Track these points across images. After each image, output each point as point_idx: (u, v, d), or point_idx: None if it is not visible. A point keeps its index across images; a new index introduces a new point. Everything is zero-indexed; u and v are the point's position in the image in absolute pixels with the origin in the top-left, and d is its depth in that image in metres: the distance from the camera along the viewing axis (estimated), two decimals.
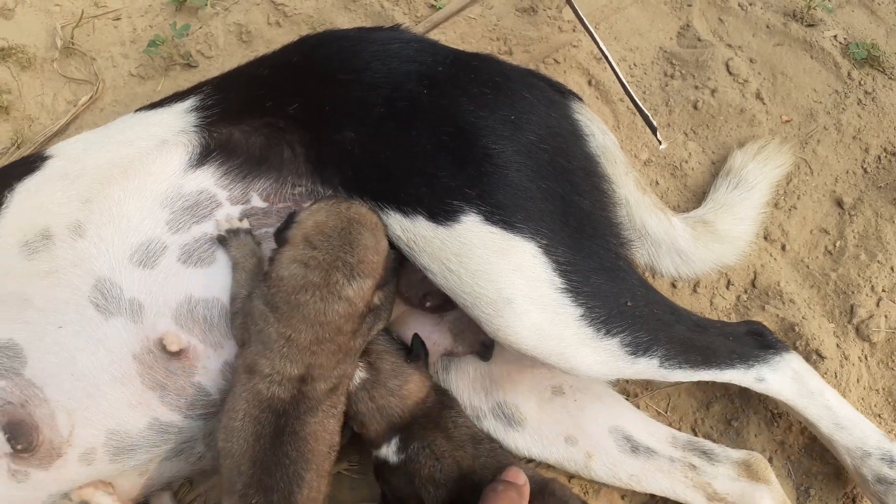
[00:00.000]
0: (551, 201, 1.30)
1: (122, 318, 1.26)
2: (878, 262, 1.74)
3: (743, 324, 1.53)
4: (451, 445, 1.31)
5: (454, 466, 1.29)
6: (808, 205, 1.84)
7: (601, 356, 1.29)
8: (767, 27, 2.09)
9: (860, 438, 1.43)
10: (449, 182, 1.27)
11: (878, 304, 1.70)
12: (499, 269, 1.24)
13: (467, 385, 1.51)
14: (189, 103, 1.42)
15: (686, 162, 1.90)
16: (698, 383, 1.63)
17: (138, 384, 1.26)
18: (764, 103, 1.98)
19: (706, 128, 1.95)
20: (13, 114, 2.03)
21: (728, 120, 1.95)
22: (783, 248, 1.79)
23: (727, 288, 1.74)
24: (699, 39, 2.08)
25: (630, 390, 1.64)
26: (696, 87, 1.99)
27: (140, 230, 1.30)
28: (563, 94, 1.53)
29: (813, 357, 1.63)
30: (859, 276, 1.73)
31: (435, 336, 1.42)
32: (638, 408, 1.57)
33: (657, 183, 1.88)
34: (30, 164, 1.38)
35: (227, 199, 1.35)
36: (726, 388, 1.62)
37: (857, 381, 1.63)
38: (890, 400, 1.62)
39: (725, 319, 1.71)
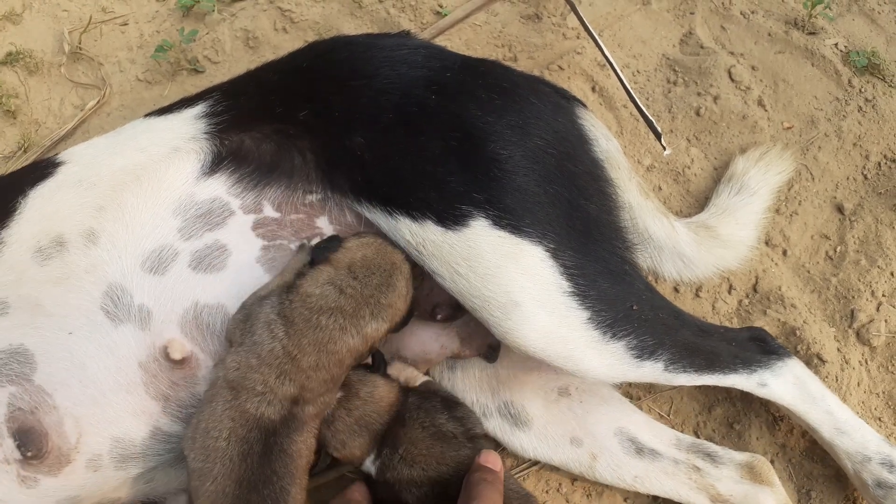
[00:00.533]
0: (558, 206, 1.32)
1: (130, 324, 1.26)
2: (879, 267, 1.76)
3: (745, 329, 1.55)
4: (424, 445, 1.31)
5: (432, 465, 1.29)
6: (809, 210, 1.86)
7: (607, 359, 1.30)
8: (769, 35, 2.11)
9: (861, 443, 1.44)
10: (457, 187, 1.29)
11: (878, 309, 1.72)
12: (507, 272, 1.25)
13: (474, 384, 1.52)
14: (199, 109, 1.43)
15: (689, 168, 1.92)
16: (700, 386, 1.65)
17: (142, 393, 1.26)
18: (766, 110, 2.00)
19: (708, 134, 1.97)
20: (20, 118, 2.04)
21: (730, 126, 1.97)
22: (784, 253, 1.81)
23: (729, 292, 1.76)
24: (702, 47, 2.10)
25: (633, 393, 1.66)
26: (699, 94, 2.01)
27: (153, 237, 1.30)
28: (568, 100, 1.55)
29: (814, 361, 1.64)
30: (860, 280, 1.75)
31: (443, 339, 1.43)
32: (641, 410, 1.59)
33: (660, 188, 1.90)
34: (42, 169, 1.39)
35: (239, 208, 1.35)
36: (728, 391, 1.64)
37: (858, 384, 1.65)
38: (890, 403, 1.64)
39: (727, 324, 1.72)
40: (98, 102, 2.06)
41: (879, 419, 1.63)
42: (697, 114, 1.99)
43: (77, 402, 1.23)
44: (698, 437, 1.62)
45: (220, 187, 1.35)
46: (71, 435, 1.23)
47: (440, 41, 2.08)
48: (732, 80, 2.03)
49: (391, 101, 1.36)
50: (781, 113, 2.00)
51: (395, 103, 1.36)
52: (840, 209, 1.86)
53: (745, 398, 1.63)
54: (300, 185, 1.37)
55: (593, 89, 2.04)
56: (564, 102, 1.52)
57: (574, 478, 1.56)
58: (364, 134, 1.34)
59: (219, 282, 1.32)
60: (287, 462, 1.17)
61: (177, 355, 1.26)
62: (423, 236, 1.29)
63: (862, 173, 1.90)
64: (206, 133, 1.39)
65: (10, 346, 1.24)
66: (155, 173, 1.35)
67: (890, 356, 1.67)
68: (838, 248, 1.81)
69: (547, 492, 1.56)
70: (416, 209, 1.29)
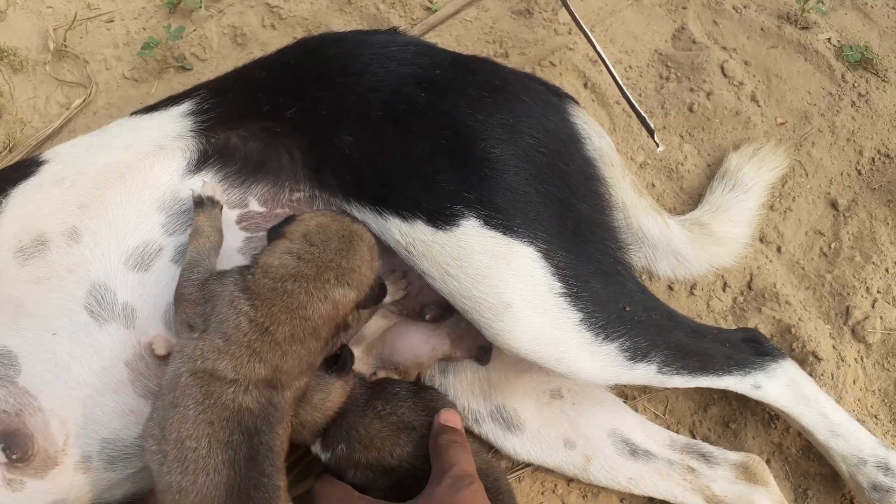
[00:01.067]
0: (550, 205, 1.30)
1: (115, 323, 1.24)
2: (873, 263, 1.75)
3: (739, 330, 1.54)
4: (378, 435, 1.28)
5: (385, 454, 1.27)
6: (802, 207, 1.84)
7: (600, 361, 1.28)
8: (762, 30, 2.10)
9: (856, 446, 1.43)
10: (448, 186, 1.27)
11: (873, 306, 1.71)
12: (498, 273, 1.24)
13: (465, 389, 1.51)
14: (185, 107, 1.41)
15: (682, 164, 1.90)
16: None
17: (130, 392, 1.24)
18: (759, 105, 1.98)
19: (702, 130, 1.96)
20: (5, 117, 2.01)
21: (723, 122, 1.96)
22: (779, 249, 1.79)
23: (724, 290, 1.75)
24: (694, 42, 2.09)
25: (628, 393, 1.64)
26: (692, 90, 2.00)
27: (137, 234, 1.29)
28: (559, 98, 1.53)
29: (809, 359, 1.63)
30: (854, 277, 1.74)
31: (433, 341, 1.42)
32: (636, 410, 1.57)
33: (653, 185, 1.88)
34: (25, 168, 1.37)
35: (224, 204, 1.34)
36: (724, 391, 1.62)
37: (854, 382, 1.64)
38: (886, 401, 1.63)
39: (722, 322, 1.71)
40: (84, 101, 2.03)
41: (875, 416, 1.62)
42: (690, 110, 1.97)
43: (63, 403, 1.21)
44: (694, 436, 1.60)
45: None
46: (58, 437, 1.21)
47: (430, 38, 2.06)
48: (725, 75, 2.02)
49: (380, 98, 1.34)
50: (775, 108, 1.99)
51: (385, 101, 1.34)
52: (834, 205, 1.85)
53: (741, 397, 1.61)
54: (287, 184, 1.36)
55: (585, 85, 2.03)
56: (556, 99, 1.51)
57: (569, 479, 1.55)
58: (353, 132, 1.32)
59: None
60: (275, 460, 1.13)
61: (161, 350, 1.24)
62: (413, 236, 1.27)
63: (856, 169, 1.89)
64: (192, 131, 1.37)
65: None
66: (140, 171, 1.33)
67: (885, 353, 1.66)
68: (833, 245, 1.80)
69: (542, 493, 1.55)
70: (405, 209, 1.27)
